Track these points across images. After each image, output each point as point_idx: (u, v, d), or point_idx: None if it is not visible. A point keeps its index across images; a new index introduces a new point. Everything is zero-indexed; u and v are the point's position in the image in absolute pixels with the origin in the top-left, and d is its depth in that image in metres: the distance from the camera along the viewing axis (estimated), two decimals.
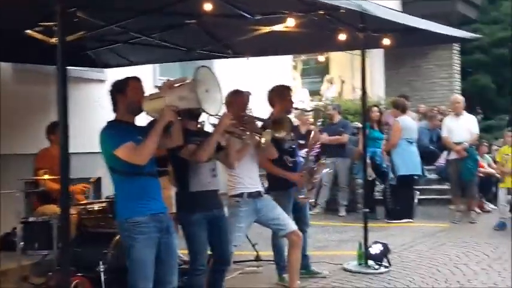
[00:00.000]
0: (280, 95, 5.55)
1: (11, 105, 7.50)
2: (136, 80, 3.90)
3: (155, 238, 3.75)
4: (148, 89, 4.06)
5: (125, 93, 3.81)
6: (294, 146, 5.66)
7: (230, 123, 4.32)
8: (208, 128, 4.67)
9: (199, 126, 4.77)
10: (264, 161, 5.29)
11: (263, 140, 4.55)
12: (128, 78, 3.90)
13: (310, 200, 5.73)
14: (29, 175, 6.12)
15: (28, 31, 5.60)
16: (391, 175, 9.36)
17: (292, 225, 5.05)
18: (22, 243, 5.28)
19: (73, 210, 5.38)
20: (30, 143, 7.35)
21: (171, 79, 3.92)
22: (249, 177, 4.94)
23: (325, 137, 10.02)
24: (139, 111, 3.83)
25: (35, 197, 6.19)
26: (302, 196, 5.56)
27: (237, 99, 4.93)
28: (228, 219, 4.86)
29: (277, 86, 5.70)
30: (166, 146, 3.96)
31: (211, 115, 3.90)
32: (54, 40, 5.32)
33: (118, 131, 3.69)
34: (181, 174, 4.44)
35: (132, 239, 3.68)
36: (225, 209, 4.84)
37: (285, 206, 5.44)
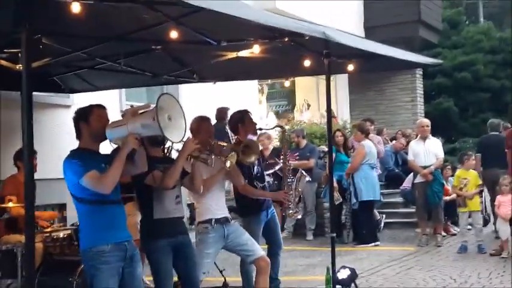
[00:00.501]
0: (240, 121, 5.57)
1: None
2: (100, 107, 3.89)
3: (118, 267, 3.72)
4: (115, 113, 4.06)
5: (89, 121, 3.80)
6: (260, 171, 5.68)
7: (194, 148, 4.31)
8: (175, 154, 4.67)
9: (165, 152, 4.77)
10: (242, 185, 5.32)
11: (228, 164, 4.56)
12: (91, 106, 3.89)
13: (299, 215, 5.74)
14: None
15: None
16: (353, 200, 9.43)
17: (259, 251, 5.05)
18: None
19: (38, 238, 5.30)
20: None
21: (135, 106, 3.93)
22: (217, 204, 4.94)
23: (291, 162, 10.07)
24: (103, 139, 3.82)
25: (1, 226, 6.08)
26: (291, 212, 5.60)
27: (203, 126, 4.95)
28: (196, 246, 4.85)
29: (235, 112, 5.73)
30: (131, 173, 3.95)
31: (174, 142, 3.91)
32: (19, 67, 5.32)
33: (82, 159, 3.66)
34: (146, 201, 4.41)
35: (96, 269, 3.65)
36: (193, 236, 4.84)
37: (255, 231, 5.46)
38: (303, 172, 5.92)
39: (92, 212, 3.70)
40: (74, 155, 3.74)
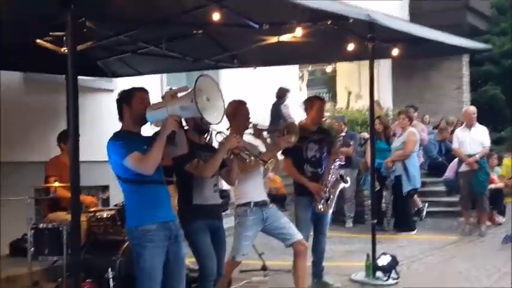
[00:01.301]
0: (312, 106, 5.77)
1: (21, 113, 7.59)
2: (142, 90, 3.94)
3: (164, 246, 3.77)
4: (156, 98, 4.09)
5: (131, 104, 3.86)
6: (317, 156, 5.69)
7: (236, 145, 4.38)
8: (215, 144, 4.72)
9: (206, 139, 4.80)
10: (288, 166, 5.57)
11: (265, 166, 4.63)
12: (134, 89, 3.94)
13: (326, 212, 5.74)
14: (39, 183, 6.16)
15: (38, 40, 5.66)
16: (408, 187, 9.26)
17: (297, 235, 5.05)
18: (32, 248, 5.33)
19: (82, 217, 5.40)
20: (40, 151, 7.42)
21: (174, 88, 3.95)
22: (255, 187, 4.98)
23: None
24: (145, 121, 3.86)
25: (45, 205, 6.24)
26: (320, 207, 5.61)
27: (239, 110, 4.95)
28: (235, 228, 4.93)
29: (312, 96, 6.04)
30: (172, 155, 3.99)
31: (212, 124, 3.90)
32: (64, 49, 5.41)
33: (124, 141, 3.73)
34: (185, 186, 4.49)
35: (142, 247, 3.71)
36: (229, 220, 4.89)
37: (301, 212, 5.66)
38: (343, 177, 5.86)
39: (136, 192, 3.76)
40: (117, 136, 3.81)
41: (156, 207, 3.78)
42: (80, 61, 3.65)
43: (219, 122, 3.89)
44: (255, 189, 4.96)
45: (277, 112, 11.11)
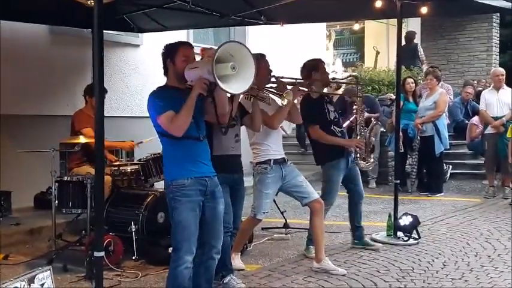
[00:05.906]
0: (314, 69, 5.40)
1: (47, 66, 7.64)
2: (187, 45, 3.81)
3: (198, 201, 3.73)
4: None
5: (174, 60, 3.74)
6: (337, 116, 5.59)
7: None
8: None
9: None
10: (315, 130, 5.33)
11: (285, 101, 4.53)
12: (178, 44, 3.80)
13: (371, 167, 5.67)
14: (65, 136, 6.20)
15: None
16: (440, 148, 9.11)
17: (314, 194, 5.04)
18: (57, 201, 5.40)
19: (106, 171, 5.45)
20: (66, 105, 7.49)
21: (215, 48, 3.71)
22: (275, 145, 4.95)
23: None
24: (186, 79, 3.72)
25: (71, 159, 6.29)
26: (363, 164, 5.54)
27: (260, 63, 4.71)
28: (255, 186, 4.91)
29: (309, 60, 5.52)
30: (216, 113, 3.84)
31: (231, 94, 3.69)
32: (90, 2, 5.39)
33: (163, 98, 3.65)
34: (207, 138, 4.44)
35: (176, 201, 3.69)
36: (252, 177, 4.89)
37: (333, 179, 5.44)
38: (378, 121, 5.72)
39: (172, 146, 3.72)
40: (156, 92, 3.73)
41: (190, 162, 3.72)
42: (107, 15, 3.61)
43: (238, 94, 3.77)
44: (275, 147, 4.93)
45: (414, 53, 12.44)
